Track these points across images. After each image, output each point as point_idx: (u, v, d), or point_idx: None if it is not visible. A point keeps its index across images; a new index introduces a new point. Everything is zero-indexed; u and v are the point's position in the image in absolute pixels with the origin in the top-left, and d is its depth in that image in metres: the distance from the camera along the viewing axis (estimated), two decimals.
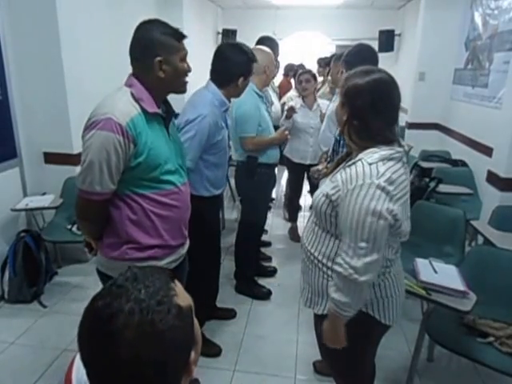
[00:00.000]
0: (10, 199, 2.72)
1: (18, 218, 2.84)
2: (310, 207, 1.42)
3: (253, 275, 2.80)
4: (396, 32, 6.16)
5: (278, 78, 4.76)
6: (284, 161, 3.44)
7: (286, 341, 2.30)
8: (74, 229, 2.82)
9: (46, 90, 2.81)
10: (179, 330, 0.59)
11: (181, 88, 1.40)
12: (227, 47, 2.00)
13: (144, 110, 1.27)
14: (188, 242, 1.56)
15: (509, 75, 2.86)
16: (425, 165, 3.65)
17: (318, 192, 1.27)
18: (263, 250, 3.23)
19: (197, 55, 5.34)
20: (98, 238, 1.38)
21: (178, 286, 0.65)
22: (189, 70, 1.37)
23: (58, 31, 2.69)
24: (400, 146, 1.21)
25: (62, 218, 2.92)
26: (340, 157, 1.39)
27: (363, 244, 1.11)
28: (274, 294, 2.73)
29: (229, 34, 6.25)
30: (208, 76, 2.02)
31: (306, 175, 3.42)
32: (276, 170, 2.74)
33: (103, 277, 1.41)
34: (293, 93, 3.71)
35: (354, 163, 1.17)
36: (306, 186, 3.81)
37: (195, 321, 0.66)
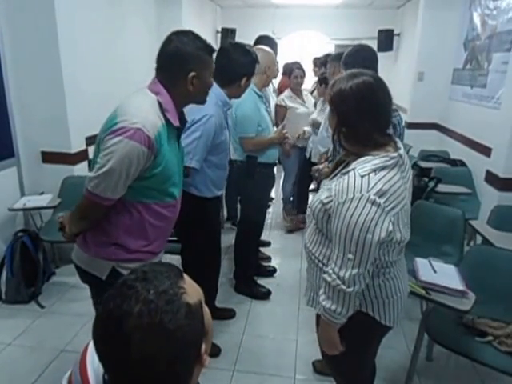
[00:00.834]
0: (7, 199, 2.71)
1: (15, 218, 2.83)
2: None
3: (252, 275, 2.80)
4: (395, 32, 6.17)
5: (278, 78, 4.75)
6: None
7: (285, 340, 2.30)
8: None
9: (44, 89, 2.80)
10: (188, 327, 0.60)
11: (202, 100, 1.43)
12: (231, 47, 1.99)
13: (167, 122, 1.27)
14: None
15: (507, 75, 2.87)
16: (424, 164, 3.66)
17: (316, 197, 1.27)
18: (262, 249, 3.23)
19: None
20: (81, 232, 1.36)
21: (187, 282, 0.66)
22: (212, 83, 1.41)
23: (56, 29, 2.68)
24: (396, 149, 1.20)
25: None
26: (338, 159, 1.39)
27: (351, 256, 1.12)
28: (274, 294, 2.73)
29: (228, 32, 6.23)
30: None
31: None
32: (275, 169, 2.74)
33: (83, 273, 1.38)
34: (286, 93, 3.72)
35: (347, 172, 1.17)
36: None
37: (206, 310, 0.68)
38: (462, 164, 3.78)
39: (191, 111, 1.84)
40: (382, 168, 1.14)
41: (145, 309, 0.58)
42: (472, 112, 3.85)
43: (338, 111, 1.21)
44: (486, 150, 3.26)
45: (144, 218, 1.31)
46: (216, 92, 1.92)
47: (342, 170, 1.26)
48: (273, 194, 4.59)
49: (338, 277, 1.14)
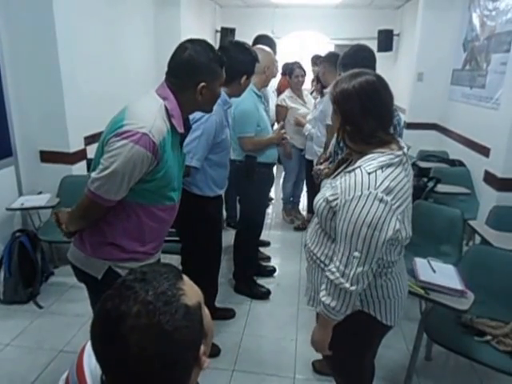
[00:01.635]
0: (5, 198, 2.69)
1: (13, 218, 2.82)
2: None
3: (252, 275, 2.80)
4: (395, 32, 6.17)
5: (278, 78, 4.75)
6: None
7: (285, 340, 2.29)
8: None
9: (43, 88, 2.78)
10: (187, 329, 0.60)
11: (209, 110, 1.44)
12: (231, 45, 1.99)
13: (173, 128, 1.27)
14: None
15: (506, 76, 2.87)
16: (423, 165, 3.67)
17: (319, 196, 1.27)
18: (262, 249, 3.22)
19: None
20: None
21: (187, 284, 0.65)
22: (220, 94, 1.42)
23: (55, 28, 2.67)
24: (400, 147, 1.21)
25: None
26: (340, 158, 1.39)
27: (357, 254, 1.12)
28: (273, 294, 2.73)
29: (227, 32, 6.23)
30: None
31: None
32: (275, 169, 2.74)
33: (79, 272, 1.38)
34: (287, 94, 3.72)
35: (353, 170, 1.17)
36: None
37: (205, 312, 0.67)
38: (461, 164, 3.79)
39: None
40: (389, 165, 1.14)
41: (143, 309, 0.58)
42: (471, 112, 3.85)
43: (341, 110, 1.21)
44: (484, 151, 3.27)
45: (142, 220, 1.32)
46: None
47: (345, 168, 1.26)
48: (272, 194, 4.59)
49: (343, 275, 1.14)
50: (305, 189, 4.02)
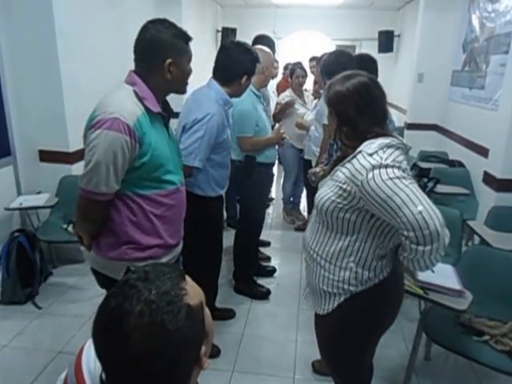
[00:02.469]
0: (3, 198, 2.69)
1: (11, 218, 2.81)
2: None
3: (252, 275, 2.80)
4: (395, 33, 6.18)
5: (279, 77, 4.76)
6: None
7: (285, 341, 2.29)
8: (70, 228, 2.79)
9: (42, 87, 2.78)
10: (189, 329, 0.60)
11: (183, 89, 1.41)
12: (232, 45, 1.99)
13: (148, 110, 1.26)
14: (182, 241, 1.56)
15: (505, 77, 2.88)
16: (423, 165, 3.67)
17: (321, 194, 1.26)
18: (262, 249, 3.22)
19: (196, 53, 5.33)
20: (93, 238, 1.36)
21: (189, 284, 0.66)
22: (191, 71, 1.39)
23: (54, 27, 2.66)
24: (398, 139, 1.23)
25: (57, 217, 2.89)
26: (336, 158, 1.40)
27: (420, 207, 1.07)
28: (273, 294, 2.73)
29: (228, 32, 6.23)
30: (208, 74, 2.01)
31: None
32: (275, 169, 2.74)
33: (100, 277, 1.39)
34: (287, 93, 3.73)
35: (354, 157, 1.18)
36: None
37: (206, 312, 0.68)
38: (461, 165, 3.79)
39: (192, 110, 1.85)
40: (389, 146, 1.16)
41: (146, 308, 0.58)
42: (470, 113, 3.86)
43: (337, 112, 1.24)
44: (483, 151, 3.28)
45: (146, 209, 1.31)
46: (217, 90, 1.92)
47: (343, 162, 1.25)
48: (273, 195, 4.59)
49: (425, 239, 1.07)
50: (304, 190, 4.02)
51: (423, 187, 3.14)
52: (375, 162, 1.11)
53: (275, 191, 4.69)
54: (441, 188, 3.18)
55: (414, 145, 4.15)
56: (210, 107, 1.82)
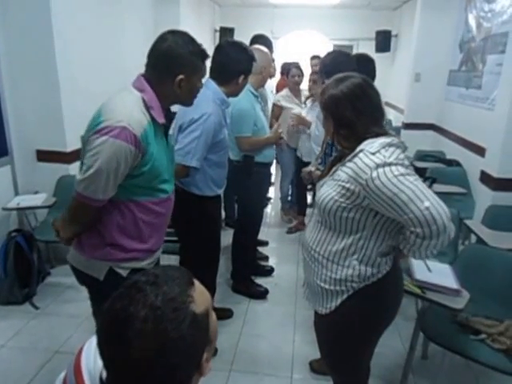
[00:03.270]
0: (0, 198, 2.68)
1: (9, 218, 2.81)
2: (310, 205, 1.43)
3: (250, 275, 2.80)
4: (393, 33, 6.19)
5: (276, 78, 4.76)
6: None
7: (282, 340, 2.30)
8: None
9: (39, 87, 2.77)
10: (191, 337, 0.60)
11: (189, 103, 1.41)
12: (228, 45, 1.99)
13: (153, 119, 1.25)
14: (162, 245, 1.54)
15: (501, 77, 2.89)
16: (420, 165, 3.68)
17: (323, 194, 1.26)
18: (260, 249, 3.23)
19: None
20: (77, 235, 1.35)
21: (197, 290, 0.65)
22: (201, 87, 1.39)
23: (52, 27, 2.66)
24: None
25: (55, 217, 2.85)
26: (334, 157, 1.40)
27: (427, 203, 1.08)
28: (271, 294, 2.73)
29: (226, 32, 6.23)
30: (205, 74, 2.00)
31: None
32: (273, 169, 2.75)
33: (79, 274, 1.37)
34: (284, 93, 3.73)
35: (355, 155, 1.18)
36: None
37: (212, 318, 0.68)
38: (458, 164, 3.80)
39: (189, 110, 1.84)
40: (390, 145, 1.16)
41: (151, 314, 0.58)
42: (467, 113, 3.87)
43: (333, 115, 1.24)
44: (480, 151, 3.29)
45: (136, 215, 1.30)
46: (214, 90, 1.92)
47: (343, 162, 1.25)
48: (271, 194, 4.60)
49: (431, 233, 1.09)
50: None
51: None
52: (379, 161, 1.12)
53: (273, 190, 4.70)
54: (438, 187, 3.18)
55: (411, 144, 4.16)
56: (206, 107, 1.82)
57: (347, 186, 1.18)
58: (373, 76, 2.24)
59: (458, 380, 2.03)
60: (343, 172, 1.20)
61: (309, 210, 3.78)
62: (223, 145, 1.96)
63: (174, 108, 1.45)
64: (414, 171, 1.16)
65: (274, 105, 3.69)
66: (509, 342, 1.69)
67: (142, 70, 1.33)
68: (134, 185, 1.27)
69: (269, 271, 3.01)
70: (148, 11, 4.38)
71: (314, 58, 4.08)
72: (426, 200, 1.08)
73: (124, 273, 1.32)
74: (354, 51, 6.15)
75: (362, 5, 6.14)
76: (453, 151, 4.05)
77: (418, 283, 1.71)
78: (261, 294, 2.70)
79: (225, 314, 2.45)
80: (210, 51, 1.99)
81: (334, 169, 1.27)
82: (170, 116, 1.41)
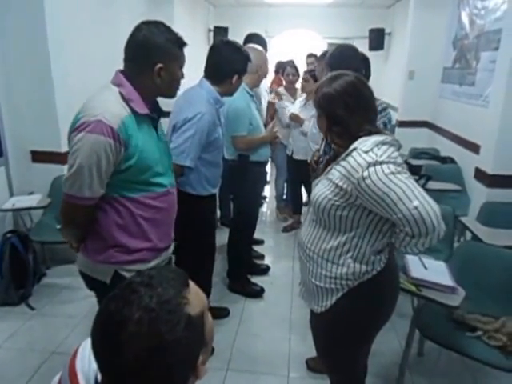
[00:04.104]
0: None
1: (4, 219, 2.79)
2: (305, 204, 1.43)
3: (246, 273, 2.80)
4: (386, 31, 6.21)
5: (270, 76, 4.76)
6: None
7: (279, 339, 2.30)
8: None
9: (33, 87, 2.75)
10: (186, 340, 0.60)
11: (171, 94, 1.38)
12: (223, 44, 1.98)
13: (134, 111, 1.24)
14: (173, 244, 1.54)
15: (495, 74, 2.90)
16: (414, 162, 3.69)
17: (317, 192, 1.27)
18: (256, 248, 3.23)
19: (188, 52, 5.31)
20: (81, 240, 1.34)
21: (192, 292, 0.65)
22: (183, 77, 1.36)
23: (45, 27, 2.63)
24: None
25: (50, 217, 2.87)
26: (329, 157, 1.41)
27: (416, 202, 1.08)
28: (267, 292, 2.73)
29: (220, 31, 6.22)
30: (199, 73, 2.00)
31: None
32: (268, 167, 2.75)
33: (88, 279, 1.37)
34: (280, 90, 3.73)
35: (348, 154, 1.18)
36: None
37: (208, 320, 0.67)
38: (452, 161, 3.82)
39: (183, 109, 1.84)
40: (383, 143, 1.17)
41: (145, 316, 0.58)
42: (461, 110, 3.89)
43: (327, 114, 1.25)
44: (474, 148, 3.30)
45: (134, 212, 1.28)
46: (207, 89, 1.92)
47: (338, 160, 1.26)
48: (266, 192, 4.60)
49: (420, 232, 1.10)
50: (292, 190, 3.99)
51: None
52: (371, 160, 1.12)
53: (269, 189, 4.70)
54: (432, 184, 3.20)
55: (406, 142, 4.17)
56: (200, 106, 1.81)
57: (340, 184, 1.18)
58: (368, 74, 2.24)
59: (455, 376, 2.05)
60: (337, 171, 1.20)
61: (304, 209, 3.79)
62: (217, 144, 1.96)
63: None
64: (406, 169, 1.16)
65: (269, 103, 3.69)
66: (504, 338, 1.70)
67: None
68: (125, 180, 1.25)
69: (265, 270, 3.01)
70: (142, 10, 4.36)
71: (310, 56, 4.09)
72: (415, 199, 1.08)
73: (130, 276, 1.31)
74: None
75: (356, 3, 6.16)
76: (447, 148, 4.07)
77: (413, 281, 1.72)
78: (257, 293, 2.71)
79: (221, 313, 2.45)
80: (205, 51, 1.99)
81: (329, 167, 1.27)
82: (157, 109, 1.39)
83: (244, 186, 2.51)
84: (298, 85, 3.79)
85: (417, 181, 3.49)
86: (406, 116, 4.81)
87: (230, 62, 1.93)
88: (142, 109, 1.26)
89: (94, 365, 0.65)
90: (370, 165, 1.11)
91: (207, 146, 1.89)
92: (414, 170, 3.46)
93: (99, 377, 0.67)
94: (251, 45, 2.57)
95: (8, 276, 2.53)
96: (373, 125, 1.25)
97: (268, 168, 2.77)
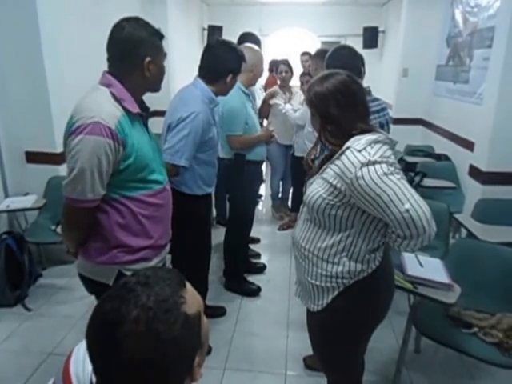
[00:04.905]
0: None
1: None
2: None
3: (242, 272, 2.80)
4: (380, 29, 6.23)
5: (264, 75, 4.76)
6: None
7: (276, 337, 2.30)
8: (58, 229, 2.75)
9: (27, 87, 2.73)
10: (183, 339, 0.59)
11: (158, 87, 1.39)
12: (217, 44, 1.98)
13: (127, 111, 1.24)
14: (169, 242, 1.54)
15: (489, 71, 2.92)
16: (409, 159, 3.71)
17: (311, 192, 1.27)
18: (252, 246, 3.23)
19: (182, 52, 5.29)
20: (81, 244, 1.34)
21: (189, 292, 0.65)
22: (164, 69, 1.38)
23: (39, 26, 2.61)
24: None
25: (45, 218, 2.86)
26: (324, 156, 1.41)
27: (407, 205, 1.09)
28: (264, 291, 2.74)
29: (214, 30, 6.19)
30: (193, 72, 2.00)
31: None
32: (263, 166, 2.75)
33: (88, 282, 1.36)
34: (274, 88, 3.74)
35: (342, 153, 1.19)
36: None
37: (204, 321, 0.67)
38: (447, 158, 3.84)
39: (178, 109, 1.84)
40: (376, 142, 1.17)
41: (142, 315, 0.57)
42: (455, 107, 3.91)
43: (319, 112, 1.26)
44: (469, 145, 3.32)
45: (134, 211, 1.29)
46: (202, 89, 1.91)
47: (332, 160, 1.26)
48: (262, 192, 4.60)
49: (411, 235, 1.11)
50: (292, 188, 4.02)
51: (410, 181, 3.18)
52: (364, 159, 1.12)
53: (264, 188, 4.70)
54: (427, 182, 3.22)
55: (400, 139, 4.20)
56: (195, 106, 1.81)
57: (334, 183, 1.19)
58: (363, 73, 2.24)
59: (451, 373, 2.06)
60: (331, 170, 1.21)
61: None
62: (212, 143, 1.96)
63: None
64: (399, 168, 1.17)
65: (264, 102, 3.69)
66: (500, 334, 1.71)
67: None
68: (124, 180, 1.26)
69: (261, 268, 3.01)
70: (135, 9, 4.33)
71: (304, 54, 4.08)
72: (406, 202, 1.09)
73: None
74: None
75: (350, 1, 6.17)
76: (441, 146, 4.10)
77: (409, 278, 1.73)
78: (253, 292, 2.71)
79: (218, 312, 2.45)
80: (199, 50, 1.99)
81: (324, 166, 1.28)
82: (145, 107, 1.39)
83: (240, 185, 2.51)
84: (292, 82, 3.81)
85: (412, 178, 3.50)
86: (400, 113, 4.83)
87: (224, 62, 1.92)
88: (134, 108, 1.27)
89: (89, 367, 0.65)
90: (363, 165, 1.12)
91: (202, 146, 1.88)
92: (410, 167, 3.48)
93: (94, 379, 0.66)
94: (247, 44, 2.57)
95: (3, 277, 2.51)
96: (366, 123, 1.26)
97: (263, 166, 2.78)
